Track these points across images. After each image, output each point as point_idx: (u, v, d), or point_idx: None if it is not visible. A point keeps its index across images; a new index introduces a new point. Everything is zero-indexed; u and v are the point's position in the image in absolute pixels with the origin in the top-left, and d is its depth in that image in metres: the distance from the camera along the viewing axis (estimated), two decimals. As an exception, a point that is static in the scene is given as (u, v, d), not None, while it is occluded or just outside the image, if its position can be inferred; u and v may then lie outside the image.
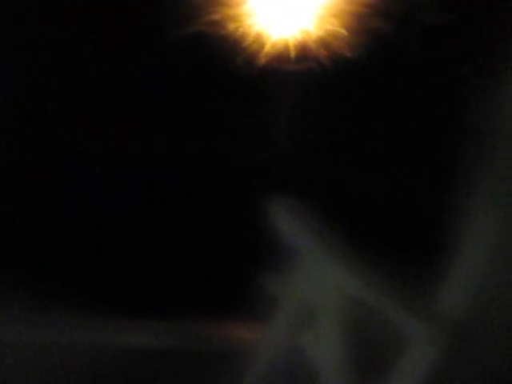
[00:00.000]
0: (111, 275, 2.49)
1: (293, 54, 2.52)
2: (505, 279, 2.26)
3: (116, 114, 2.56)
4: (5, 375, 2.42)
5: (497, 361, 2.28)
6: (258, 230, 2.40)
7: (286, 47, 2.53)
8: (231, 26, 2.50)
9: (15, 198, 2.53)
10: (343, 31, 2.48)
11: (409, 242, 2.39)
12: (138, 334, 2.46)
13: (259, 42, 2.52)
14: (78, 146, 2.56)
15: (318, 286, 2.38)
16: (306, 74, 2.52)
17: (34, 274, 2.44)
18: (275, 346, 2.42)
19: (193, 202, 2.53)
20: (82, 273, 2.48)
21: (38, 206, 2.53)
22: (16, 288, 2.42)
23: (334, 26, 2.49)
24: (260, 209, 2.41)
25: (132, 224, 2.52)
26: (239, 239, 2.49)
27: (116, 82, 2.54)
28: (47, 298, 2.39)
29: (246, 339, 2.47)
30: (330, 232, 2.36)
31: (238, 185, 2.50)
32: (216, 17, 2.49)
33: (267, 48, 2.53)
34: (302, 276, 2.39)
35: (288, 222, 2.39)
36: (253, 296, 2.36)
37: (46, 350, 2.41)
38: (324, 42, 2.51)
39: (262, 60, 2.51)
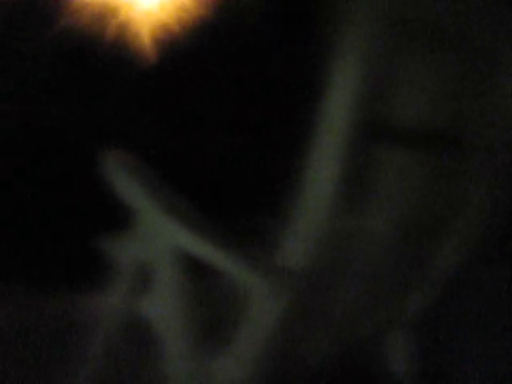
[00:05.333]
0: None
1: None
2: (347, 226, 2.14)
3: None
4: None
5: (344, 313, 2.18)
6: (92, 188, 2.25)
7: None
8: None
9: None
10: None
11: (245, 191, 2.26)
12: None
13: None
14: None
15: (154, 246, 2.22)
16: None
17: None
18: (114, 314, 2.26)
19: (19, 160, 2.36)
20: None
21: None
22: None
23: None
24: (94, 165, 2.24)
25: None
26: (71, 199, 2.33)
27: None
28: None
29: (82, 310, 2.32)
30: (166, 189, 2.20)
31: (70, 142, 2.34)
32: None
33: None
34: (138, 237, 2.23)
35: (123, 179, 2.22)
36: (87, 262, 2.22)
37: None
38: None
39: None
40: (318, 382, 2.24)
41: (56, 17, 2.35)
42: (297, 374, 2.20)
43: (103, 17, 2.40)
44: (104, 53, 2.36)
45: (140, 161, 2.26)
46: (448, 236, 2.38)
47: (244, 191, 2.26)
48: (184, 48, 2.37)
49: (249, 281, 2.13)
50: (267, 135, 2.27)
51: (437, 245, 2.38)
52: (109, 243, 2.24)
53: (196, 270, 2.19)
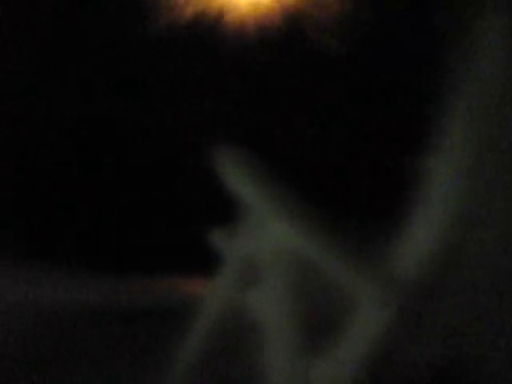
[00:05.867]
0: (49, 226, 2.36)
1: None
2: (459, 239, 2.12)
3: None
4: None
5: (452, 322, 2.16)
6: (204, 183, 2.27)
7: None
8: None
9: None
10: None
11: (361, 200, 2.24)
12: (81, 291, 2.33)
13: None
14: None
15: (265, 242, 2.24)
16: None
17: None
18: (220, 303, 2.29)
19: (135, 158, 2.39)
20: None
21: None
22: None
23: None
24: (205, 161, 2.26)
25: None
26: (183, 192, 2.35)
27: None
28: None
29: (190, 295, 2.35)
30: (280, 187, 2.21)
31: (180, 138, 2.36)
32: None
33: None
34: (249, 232, 2.25)
35: (235, 175, 2.24)
36: (198, 251, 2.24)
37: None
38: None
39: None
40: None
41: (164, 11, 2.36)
42: (397, 381, 2.19)
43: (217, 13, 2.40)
44: (216, 46, 2.37)
45: (252, 156, 2.27)
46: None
47: (360, 195, 2.24)
48: (304, 43, 2.35)
49: (358, 285, 2.13)
50: (389, 138, 2.24)
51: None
52: (218, 235, 2.26)
53: (304, 269, 2.20)
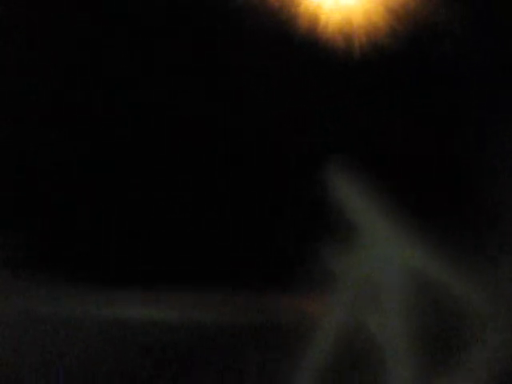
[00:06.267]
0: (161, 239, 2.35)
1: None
2: None
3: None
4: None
5: None
6: (317, 201, 2.23)
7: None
8: None
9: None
10: None
11: (480, 217, 2.18)
12: (194, 308, 2.34)
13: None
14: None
15: (381, 261, 2.20)
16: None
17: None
18: (337, 323, 2.26)
19: (247, 172, 2.35)
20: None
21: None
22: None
23: None
24: (318, 178, 2.22)
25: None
26: (297, 210, 2.31)
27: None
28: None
29: (304, 315, 2.32)
30: (395, 204, 2.16)
31: (293, 153, 2.31)
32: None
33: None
34: (364, 250, 2.21)
35: (349, 193, 2.20)
36: (312, 270, 2.21)
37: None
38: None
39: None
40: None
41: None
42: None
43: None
44: (322, 53, 2.31)
45: (365, 170, 2.22)
46: None
47: (479, 215, 2.18)
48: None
49: (484, 308, 2.09)
50: None
51: None
52: (331, 253, 2.23)
53: (424, 289, 2.16)
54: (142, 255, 2.35)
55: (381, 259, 2.20)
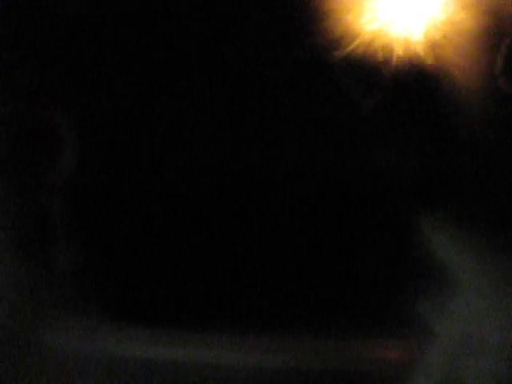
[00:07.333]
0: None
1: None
2: None
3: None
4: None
5: None
6: (412, 251, 2.18)
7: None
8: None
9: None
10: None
11: None
12: (285, 353, 2.28)
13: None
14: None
15: (480, 316, 2.13)
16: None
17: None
18: (431, 377, 2.20)
19: (334, 217, 2.30)
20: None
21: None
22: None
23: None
24: (414, 226, 2.17)
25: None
26: (394, 261, 2.26)
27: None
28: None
29: (398, 365, 2.26)
30: (496, 255, 2.11)
31: (385, 198, 2.25)
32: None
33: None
34: (462, 304, 2.15)
35: (446, 242, 2.15)
36: (407, 323, 2.15)
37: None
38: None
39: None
40: None
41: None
42: None
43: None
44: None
45: (459, 222, 2.17)
46: None
47: None
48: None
49: None
50: None
51: None
52: (430, 307, 2.16)
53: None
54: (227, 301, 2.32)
55: (482, 315, 2.14)
